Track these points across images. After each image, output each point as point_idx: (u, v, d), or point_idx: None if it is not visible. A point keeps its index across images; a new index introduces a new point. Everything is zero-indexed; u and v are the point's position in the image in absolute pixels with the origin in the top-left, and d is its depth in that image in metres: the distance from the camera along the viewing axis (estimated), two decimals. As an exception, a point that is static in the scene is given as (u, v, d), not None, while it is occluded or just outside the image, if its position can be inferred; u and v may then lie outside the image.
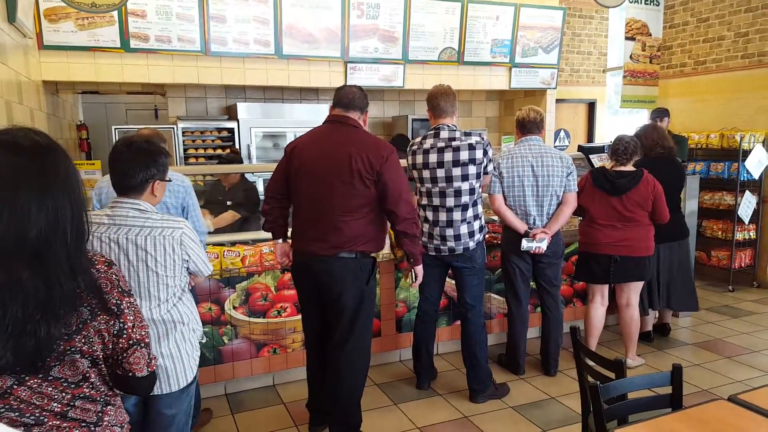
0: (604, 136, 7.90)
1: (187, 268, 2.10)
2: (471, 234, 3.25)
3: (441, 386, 3.65)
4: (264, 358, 3.56)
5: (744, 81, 5.90)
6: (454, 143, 3.17)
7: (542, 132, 3.70)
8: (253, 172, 5.50)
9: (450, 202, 3.21)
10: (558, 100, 6.75)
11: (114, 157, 2.00)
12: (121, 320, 1.29)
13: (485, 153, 3.19)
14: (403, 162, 3.57)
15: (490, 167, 3.28)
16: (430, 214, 3.29)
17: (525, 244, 3.54)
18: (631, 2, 6.15)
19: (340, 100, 2.77)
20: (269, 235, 3.04)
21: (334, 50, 5.28)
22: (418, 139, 3.33)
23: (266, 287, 3.52)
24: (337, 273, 2.72)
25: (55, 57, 4.48)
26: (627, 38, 6.37)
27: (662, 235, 3.84)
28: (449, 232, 3.23)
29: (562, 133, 6.53)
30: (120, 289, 1.30)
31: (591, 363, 2.27)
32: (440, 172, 3.19)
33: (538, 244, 3.53)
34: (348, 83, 5.40)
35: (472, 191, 3.21)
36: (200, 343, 2.16)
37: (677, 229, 4.10)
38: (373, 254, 2.83)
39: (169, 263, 2.00)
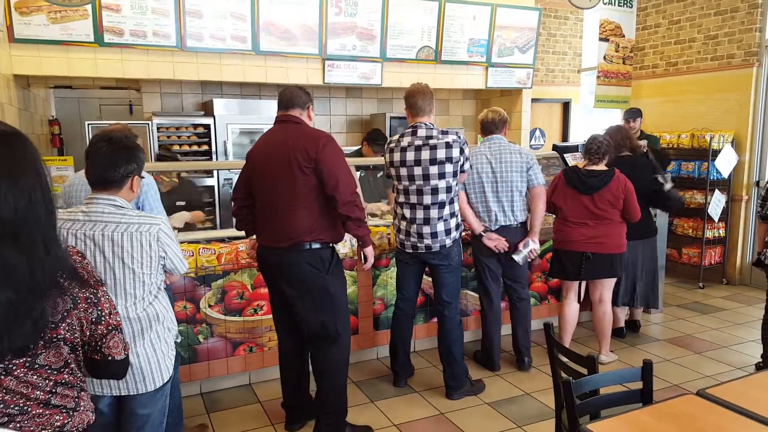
0: (579, 135, 8.01)
1: (163, 266, 2.08)
2: (448, 231, 3.28)
3: (418, 383, 3.67)
4: (240, 357, 3.54)
5: (714, 82, 6.04)
6: (431, 141, 3.19)
7: (504, 131, 3.75)
8: (229, 169, 5.46)
9: (427, 199, 3.23)
10: (533, 100, 6.83)
11: (94, 152, 1.99)
12: (99, 308, 1.35)
13: (462, 151, 3.22)
14: (378, 159, 3.59)
15: (466, 165, 3.30)
16: (407, 212, 3.31)
17: (517, 257, 3.62)
18: (605, 4, 6.25)
19: (280, 102, 2.88)
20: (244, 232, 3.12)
21: (311, 47, 5.26)
22: (396, 137, 3.35)
23: (242, 285, 3.50)
24: (296, 264, 2.77)
25: (26, 51, 4.38)
26: (601, 39, 6.47)
27: (628, 234, 3.92)
28: (426, 229, 3.26)
29: (537, 133, 6.61)
30: (95, 279, 1.35)
31: (564, 359, 2.31)
32: (417, 170, 3.22)
33: (533, 247, 3.63)
34: (326, 80, 5.43)
35: (448, 189, 3.24)
36: (175, 342, 2.14)
37: (644, 228, 4.17)
38: (331, 244, 2.87)
39: (145, 260, 1.98)
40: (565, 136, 8.18)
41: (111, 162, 1.97)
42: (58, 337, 1.24)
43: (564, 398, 1.96)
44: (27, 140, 1.23)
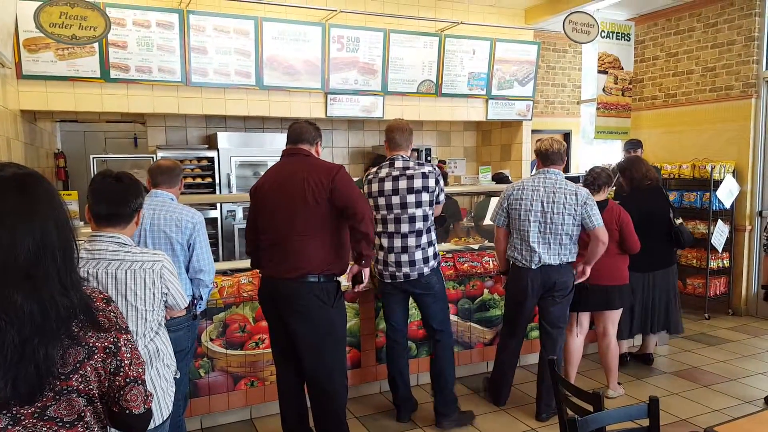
0: (579, 166, 8.05)
1: (165, 302, 2.09)
2: (425, 260, 3.31)
3: (421, 418, 3.60)
4: (241, 392, 3.50)
5: (713, 113, 6.09)
6: (408, 171, 3.30)
7: (563, 163, 3.52)
8: (233, 202, 5.48)
9: (404, 228, 3.29)
10: (534, 131, 6.88)
11: (103, 189, 2.03)
12: (119, 358, 1.28)
13: (437, 182, 3.32)
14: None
15: (441, 196, 3.38)
16: (385, 241, 3.35)
17: None
18: (603, 37, 6.35)
19: (290, 136, 2.94)
20: (247, 264, 3.16)
21: (314, 82, 5.34)
22: (374, 169, 3.45)
23: (244, 318, 3.48)
24: (303, 296, 2.77)
25: (33, 86, 4.46)
26: (600, 72, 6.55)
27: (655, 265, 3.90)
28: (404, 257, 3.29)
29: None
30: (118, 327, 1.30)
31: (569, 395, 2.27)
32: (395, 199, 3.29)
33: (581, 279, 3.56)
34: (328, 114, 5.50)
35: (425, 218, 3.31)
36: (174, 379, 2.13)
37: (669, 256, 4.19)
38: (337, 278, 2.88)
39: (148, 297, 1.99)
40: (566, 167, 8.19)
41: (123, 198, 2.02)
42: (70, 388, 1.20)
43: (569, 436, 1.92)
44: (42, 180, 1.24)
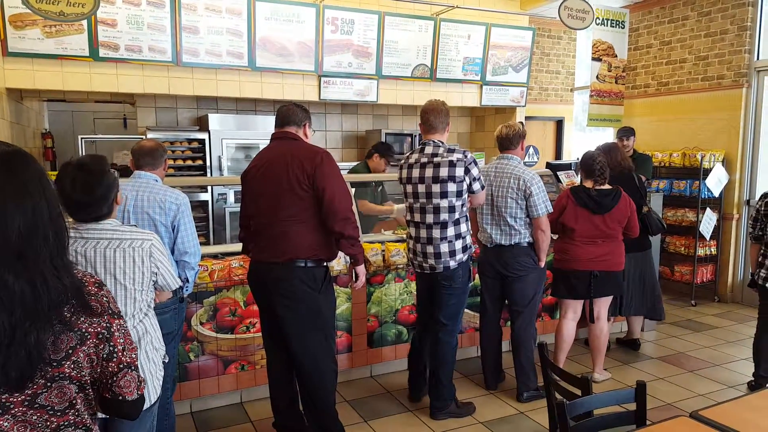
0: (572, 153, 8.07)
1: (155, 282, 2.07)
2: (452, 253, 3.19)
3: (412, 403, 3.63)
4: (231, 375, 3.51)
5: (704, 102, 6.11)
6: (435, 159, 3.16)
7: (520, 145, 3.57)
8: (224, 185, 5.45)
9: (429, 218, 3.19)
10: (527, 118, 6.88)
11: (75, 197, 1.94)
12: (111, 343, 1.25)
13: (467, 171, 3.12)
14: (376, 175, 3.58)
15: (476, 186, 3.19)
16: (413, 231, 3.30)
17: None
18: (597, 24, 6.32)
19: (277, 119, 2.91)
20: (238, 248, 3.14)
21: (307, 64, 5.29)
22: (407, 154, 3.37)
23: (235, 302, 3.48)
24: (289, 281, 2.76)
25: (19, 64, 4.38)
26: (594, 59, 6.54)
27: (629, 247, 3.95)
28: (429, 249, 3.21)
29: (531, 150, 6.65)
30: (110, 312, 1.27)
31: (557, 379, 2.30)
32: (421, 188, 3.20)
33: None
34: (322, 97, 5.46)
35: (452, 209, 3.16)
36: (163, 362, 2.12)
37: (642, 240, 4.23)
38: (325, 263, 2.86)
39: (137, 276, 1.98)
40: (558, 154, 8.23)
41: (100, 196, 1.97)
42: (62, 375, 1.16)
43: (558, 421, 1.95)
44: (30, 158, 1.20)
